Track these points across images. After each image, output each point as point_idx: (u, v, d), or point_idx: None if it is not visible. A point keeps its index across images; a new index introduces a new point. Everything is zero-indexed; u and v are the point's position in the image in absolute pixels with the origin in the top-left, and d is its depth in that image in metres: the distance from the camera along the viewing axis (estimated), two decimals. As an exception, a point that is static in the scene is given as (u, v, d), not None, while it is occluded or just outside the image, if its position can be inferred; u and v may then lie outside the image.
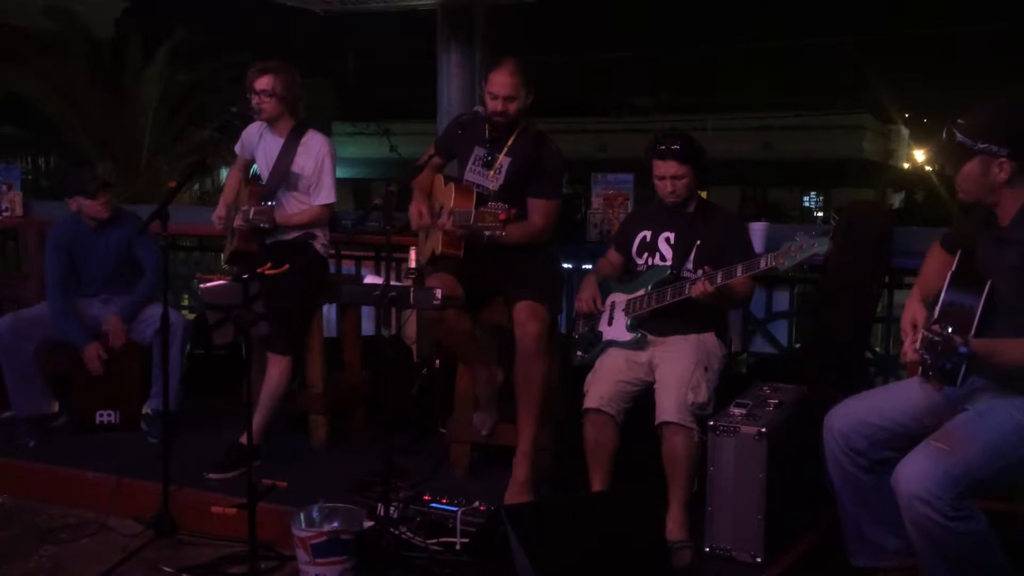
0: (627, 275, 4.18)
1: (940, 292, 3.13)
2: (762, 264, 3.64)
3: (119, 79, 14.50)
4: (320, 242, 4.74)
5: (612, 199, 5.23)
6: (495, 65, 4.16)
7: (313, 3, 6.46)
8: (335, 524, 3.54)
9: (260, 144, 4.75)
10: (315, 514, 3.60)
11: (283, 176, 4.64)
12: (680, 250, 4.00)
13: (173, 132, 15.00)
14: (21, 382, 4.86)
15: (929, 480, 2.83)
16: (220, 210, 4.82)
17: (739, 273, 3.66)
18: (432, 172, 4.47)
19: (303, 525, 3.54)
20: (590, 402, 3.81)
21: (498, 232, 3.92)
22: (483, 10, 6.19)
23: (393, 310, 5.35)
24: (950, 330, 2.74)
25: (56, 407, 4.99)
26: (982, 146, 2.99)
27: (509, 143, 4.23)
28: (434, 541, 3.65)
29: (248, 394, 3.81)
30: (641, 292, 3.99)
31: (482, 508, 3.74)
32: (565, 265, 4.93)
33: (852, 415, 3.28)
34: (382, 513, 3.62)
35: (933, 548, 2.89)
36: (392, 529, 3.61)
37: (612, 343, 4.00)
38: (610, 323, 4.05)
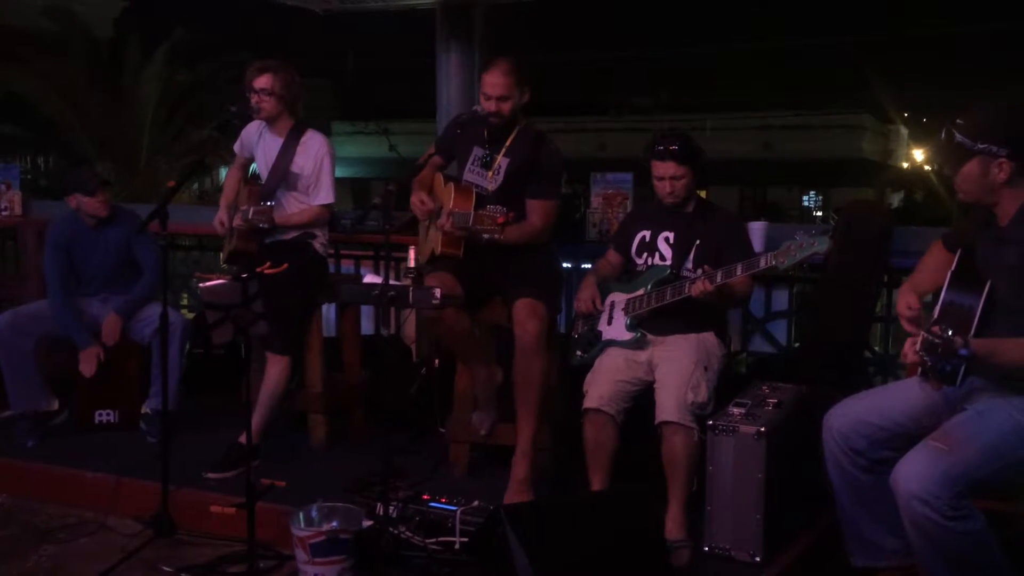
0: (626, 275, 4.18)
1: (936, 290, 3.13)
2: (762, 263, 3.64)
3: (118, 79, 14.50)
4: (319, 241, 4.74)
5: (611, 199, 5.23)
6: (488, 66, 4.18)
7: (312, 3, 6.45)
8: (334, 523, 3.54)
9: (259, 143, 4.74)
10: (314, 513, 3.60)
11: (282, 176, 4.64)
12: (679, 250, 4.00)
13: (172, 132, 15.01)
14: (20, 378, 4.86)
15: (928, 480, 2.83)
16: (222, 214, 4.81)
17: (739, 272, 3.67)
18: (432, 171, 4.47)
19: (302, 524, 3.54)
20: (590, 402, 3.81)
21: (496, 235, 3.93)
22: (482, 9, 6.19)
23: (392, 309, 5.34)
24: (950, 332, 2.74)
25: (56, 404, 4.99)
26: (981, 146, 2.99)
27: (508, 143, 4.23)
28: (433, 540, 3.65)
29: (247, 394, 3.80)
30: (641, 292, 3.99)
31: (481, 507, 3.74)
32: (564, 264, 4.93)
33: (851, 415, 3.28)
34: (381, 512, 3.61)
35: (932, 548, 2.89)
36: (391, 528, 3.61)
37: (611, 343, 4.00)
38: (609, 323, 4.05)
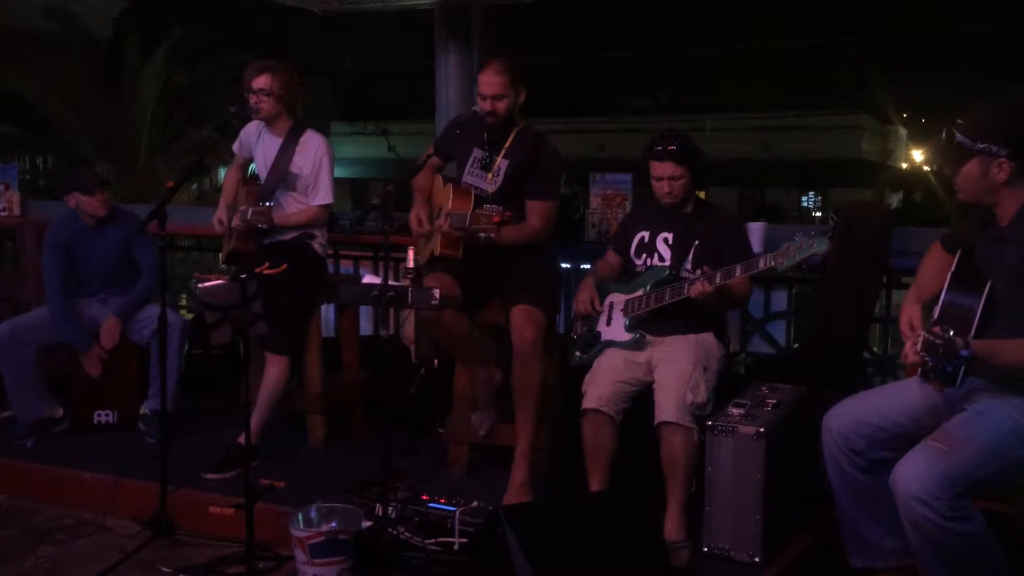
0: (625, 276, 4.18)
1: (939, 293, 3.13)
2: (761, 264, 3.64)
3: (117, 79, 14.49)
4: (318, 242, 4.73)
5: (611, 199, 5.23)
6: (483, 66, 4.20)
7: (311, 3, 6.45)
8: (333, 524, 3.54)
9: (258, 144, 4.74)
10: (313, 514, 3.60)
11: (281, 176, 4.64)
12: (678, 250, 4.00)
13: (171, 132, 14.99)
14: (23, 389, 4.85)
15: (927, 480, 2.83)
16: (221, 212, 4.81)
17: (738, 273, 3.67)
18: (431, 172, 4.47)
19: (301, 525, 3.54)
20: (588, 402, 3.81)
21: (492, 234, 3.93)
22: (481, 10, 6.18)
23: (391, 310, 5.34)
24: (951, 332, 2.74)
25: (60, 411, 4.98)
26: (982, 146, 2.99)
27: (507, 145, 4.23)
28: (432, 541, 3.65)
29: (246, 394, 3.80)
30: (640, 292, 3.99)
31: (480, 507, 3.73)
32: (563, 265, 4.93)
33: (850, 415, 3.28)
34: (380, 513, 3.61)
35: (931, 548, 2.89)
36: (390, 529, 3.61)
37: (610, 343, 4.00)
38: (608, 323, 4.05)
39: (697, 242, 3.97)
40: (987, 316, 2.98)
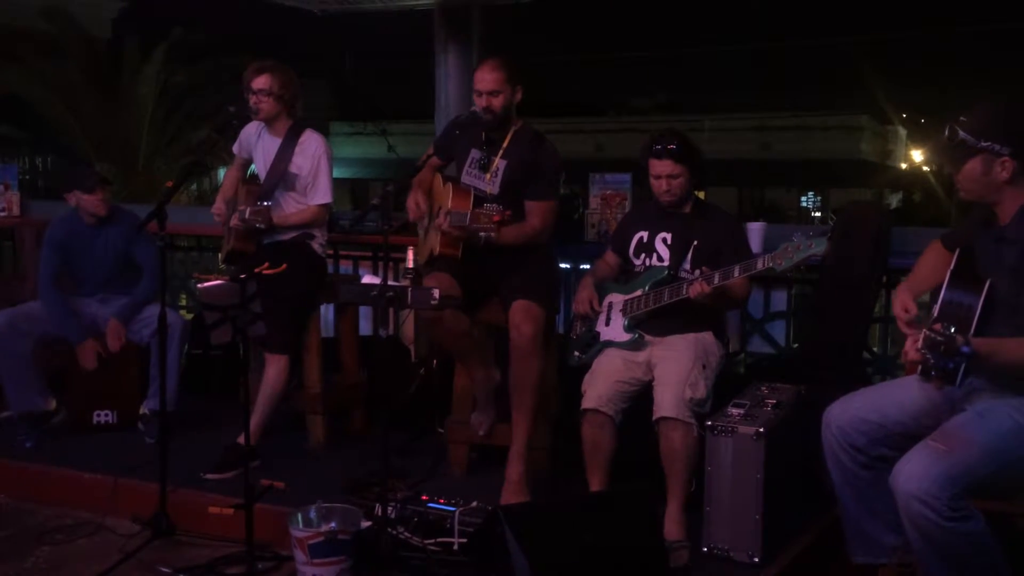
0: (624, 276, 4.18)
1: (935, 290, 3.13)
2: (759, 265, 3.64)
3: (116, 79, 14.48)
4: (318, 242, 4.74)
5: (610, 199, 5.23)
6: (479, 64, 4.21)
7: (311, 3, 6.46)
8: (333, 524, 3.54)
9: (258, 144, 4.74)
10: (312, 514, 3.59)
11: (280, 176, 4.64)
12: (677, 250, 4.00)
13: (170, 132, 14.98)
14: (18, 379, 4.85)
15: (927, 480, 2.83)
16: (218, 205, 4.80)
17: (736, 274, 3.67)
18: (431, 172, 4.47)
19: (301, 525, 3.54)
20: (588, 402, 3.81)
21: (492, 234, 3.93)
22: (480, 10, 6.19)
23: (391, 310, 5.34)
24: (952, 330, 2.74)
25: (53, 404, 4.98)
26: (984, 144, 2.98)
27: (504, 145, 4.23)
28: (432, 541, 3.65)
29: (245, 394, 3.80)
30: (638, 292, 3.99)
31: (479, 508, 3.73)
32: (563, 265, 4.93)
33: (851, 411, 3.28)
34: (380, 513, 3.61)
35: (931, 548, 2.89)
36: (390, 529, 3.61)
37: (609, 343, 4.00)
38: (607, 323, 4.05)
39: (696, 242, 3.97)
40: (987, 315, 2.97)
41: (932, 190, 23.29)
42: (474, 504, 3.76)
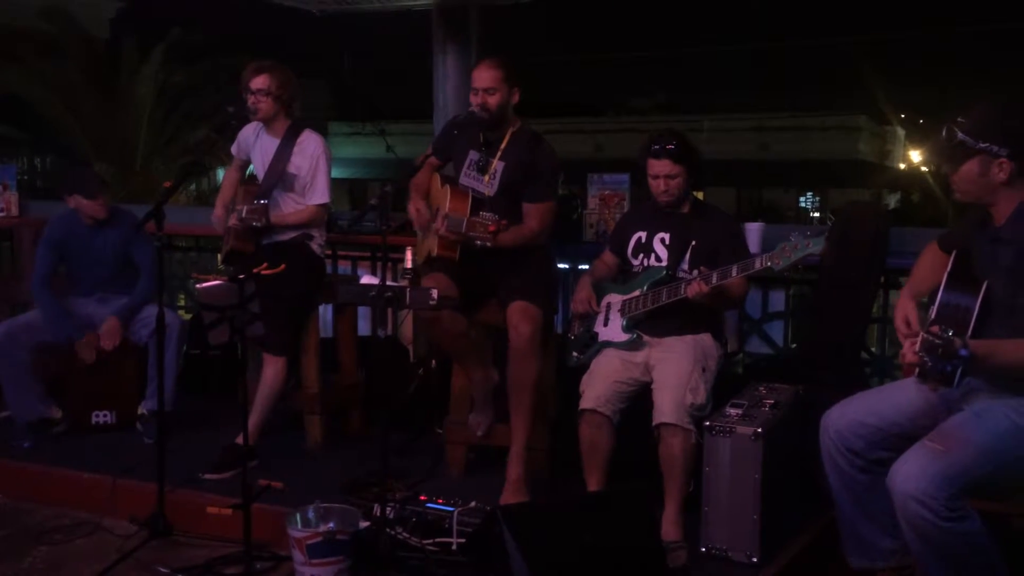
0: (623, 276, 4.18)
1: (935, 292, 3.13)
2: (757, 264, 3.64)
3: (115, 79, 14.47)
4: (316, 242, 4.73)
5: (608, 199, 5.23)
6: (476, 64, 4.21)
7: (309, 3, 6.46)
8: (331, 524, 3.54)
9: (256, 144, 4.74)
10: (311, 514, 3.59)
11: (278, 176, 4.64)
12: (675, 251, 4.00)
13: (169, 132, 14.97)
14: (20, 389, 4.85)
15: (924, 480, 2.83)
16: (218, 210, 4.81)
17: (734, 273, 3.67)
18: (429, 172, 4.47)
19: (299, 525, 3.54)
20: (586, 403, 3.81)
21: (488, 243, 3.93)
22: (478, 10, 6.19)
23: (389, 310, 5.34)
24: (950, 332, 2.74)
25: (59, 413, 4.97)
26: (983, 145, 2.99)
27: (502, 146, 4.23)
28: (430, 541, 3.65)
29: (244, 394, 3.80)
30: (637, 293, 3.99)
31: (478, 508, 3.73)
32: (561, 265, 4.93)
33: (848, 415, 3.28)
34: (378, 513, 3.61)
35: (928, 548, 2.89)
36: (388, 529, 3.60)
37: (608, 344, 4.00)
38: (606, 324, 4.05)
39: (694, 242, 3.97)
40: (984, 316, 2.98)
41: (930, 190, 23.27)
42: (472, 504, 3.76)
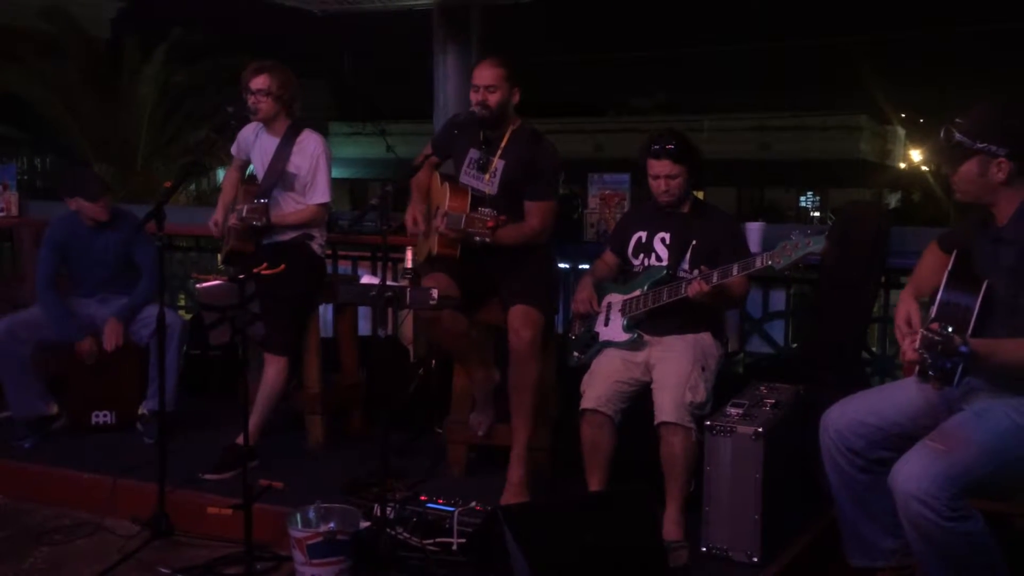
0: (623, 276, 4.18)
1: (936, 291, 3.13)
2: (758, 263, 3.64)
3: (115, 80, 14.47)
4: (317, 242, 4.73)
5: (609, 199, 5.23)
6: (476, 63, 4.20)
7: (310, 3, 6.46)
8: (331, 525, 3.54)
9: (256, 144, 4.74)
10: (311, 515, 3.59)
11: (278, 176, 4.64)
12: (676, 250, 4.00)
13: (169, 133, 14.97)
14: (19, 385, 4.85)
15: (926, 480, 2.83)
16: (217, 214, 4.81)
17: (735, 273, 3.67)
18: (429, 171, 4.46)
19: (299, 526, 3.54)
20: (587, 403, 3.81)
21: (487, 239, 3.92)
22: (479, 10, 6.19)
23: (389, 310, 5.34)
24: (950, 330, 2.74)
25: (55, 409, 4.98)
26: (981, 146, 2.99)
27: (503, 145, 4.22)
28: (431, 541, 3.64)
29: (244, 394, 3.80)
30: (637, 292, 3.99)
31: (479, 508, 3.73)
32: (562, 265, 4.93)
33: (849, 415, 3.28)
34: (379, 513, 3.61)
35: (930, 548, 2.89)
36: (389, 529, 3.60)
37: (608, 344, 4.00)
38: (606, 324, 4.05)
39: (694, 242, 3.97)
40: (984, 315, 2.98)
41: (931, 190, 23.28)
42: (473, 504, 3.76)
